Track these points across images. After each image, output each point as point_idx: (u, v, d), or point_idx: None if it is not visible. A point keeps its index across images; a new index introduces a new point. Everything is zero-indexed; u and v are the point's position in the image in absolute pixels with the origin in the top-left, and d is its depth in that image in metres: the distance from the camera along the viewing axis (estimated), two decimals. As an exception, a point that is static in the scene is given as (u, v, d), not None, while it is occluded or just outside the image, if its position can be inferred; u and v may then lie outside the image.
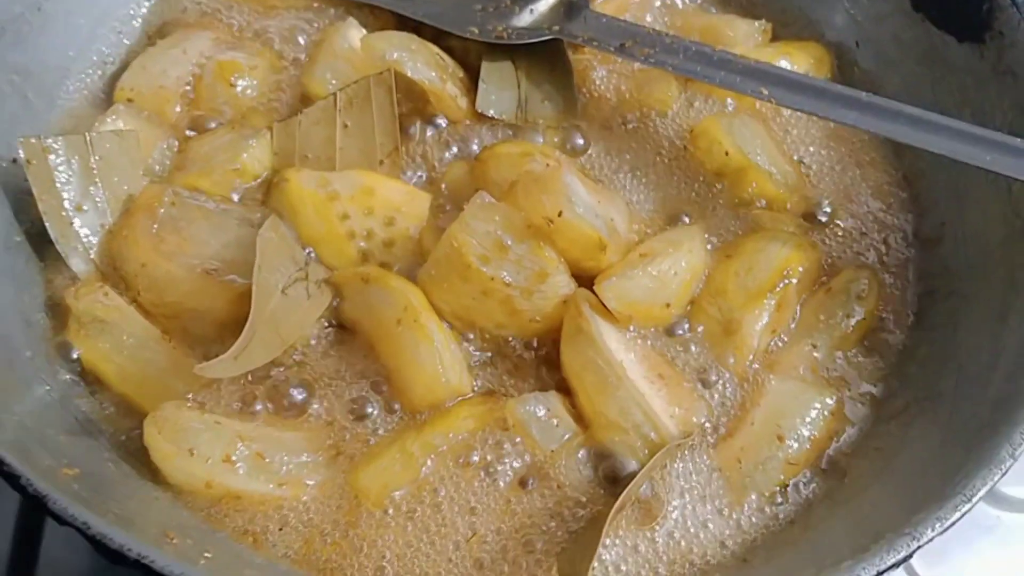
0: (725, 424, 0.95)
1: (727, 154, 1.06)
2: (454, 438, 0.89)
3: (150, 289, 0.93)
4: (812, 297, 1.02)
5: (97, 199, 0.97)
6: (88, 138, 0.98)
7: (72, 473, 0.77)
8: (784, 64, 1.13)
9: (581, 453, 0.90)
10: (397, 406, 0.92)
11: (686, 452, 0.92)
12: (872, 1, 1.19)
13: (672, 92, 1.13)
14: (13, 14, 1.02)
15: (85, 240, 0.96)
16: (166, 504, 0.85)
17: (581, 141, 1.10)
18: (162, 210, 0.94)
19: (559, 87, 1.12)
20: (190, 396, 0.90)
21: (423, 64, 1.05)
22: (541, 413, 0.90)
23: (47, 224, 0.95)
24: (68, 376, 0.91)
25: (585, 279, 0.94)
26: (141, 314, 0.93)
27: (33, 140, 0.95)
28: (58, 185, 0.95)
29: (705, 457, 0.93)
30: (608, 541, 0.87)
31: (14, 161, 0.96)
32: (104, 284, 0.94)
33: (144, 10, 1.17)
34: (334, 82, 1.07)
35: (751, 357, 0.97)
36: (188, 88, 1.09)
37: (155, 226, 0.94)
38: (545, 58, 1.12)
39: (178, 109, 1.08)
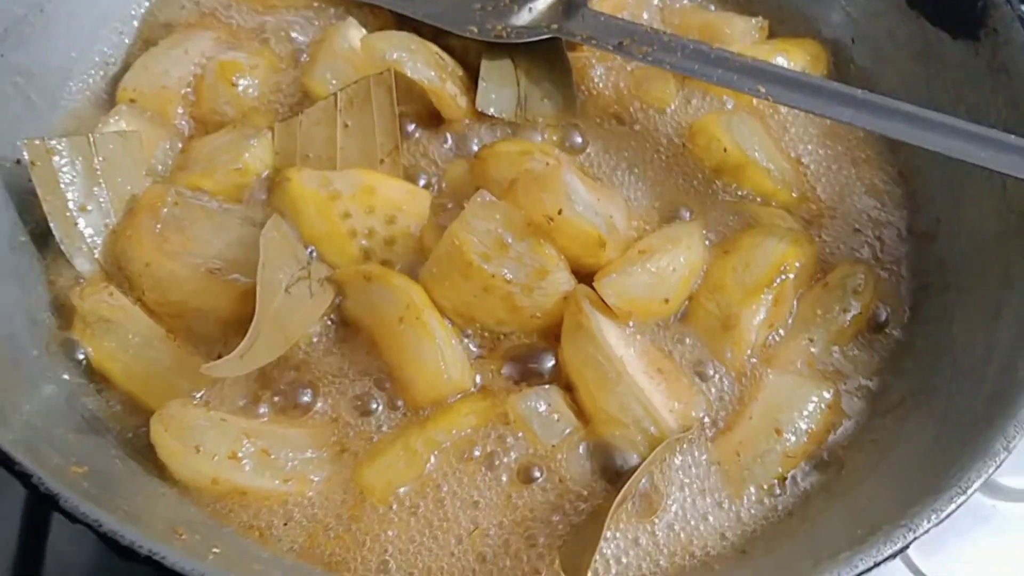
0: (724, 418, 0.95)
1: (725, 151, 1.06)
2: (457, 434, 0.90)
3: (154, 288, 0.93)
4: (809, 292, 1.02)
5: (101, 199, 0.98)
6: (91, 139, 0.98)
7: (81, 471, 0.78)
8: (781, 61, 1.14)
9: (582, 448, 0.91)
10: (400, 402, 0.92)
11: (685, 446, 0.93)
12: (868, -2, 1.19)
13: (670, 90, 1.13)
14: (16, 16, 1.02)
15: (89, 240, 0.97)
16: (173, 500, 0.86)
17: (580, 139, 1.10)
18: (165, 210, 0.95)
19: (558, 85, 1.12)
20: (195, 394, 0.90)
21: (423, 63, 1.06)
22: (542, 408, 0.91)
23: (52, 224, 0.96)
24: (74, 375, 0.92)
25: (585, 276, 0.94)
26: (146, 313, 0.93)
27: (37, 142, 0.96)
28: (62, 186, 0.96)
29: (704, 451, 0.93)
30: (609, 534, 0.88)
31: (18, 162, 0.97)
32: (109, 284, 0.94)
33: (144, 10, 1.17)
34: (334, 82, 1.07)
35: (749, 352, 0.97)
36: (189, 88, 1.10)
37: (158, 226, 0.94)
38: (544, 56, 1.13)
39: (180, 109, 1.09)
